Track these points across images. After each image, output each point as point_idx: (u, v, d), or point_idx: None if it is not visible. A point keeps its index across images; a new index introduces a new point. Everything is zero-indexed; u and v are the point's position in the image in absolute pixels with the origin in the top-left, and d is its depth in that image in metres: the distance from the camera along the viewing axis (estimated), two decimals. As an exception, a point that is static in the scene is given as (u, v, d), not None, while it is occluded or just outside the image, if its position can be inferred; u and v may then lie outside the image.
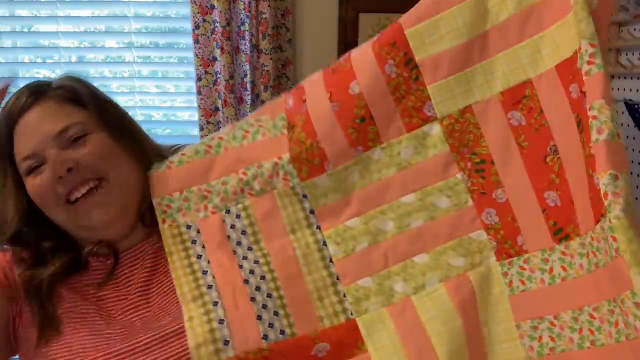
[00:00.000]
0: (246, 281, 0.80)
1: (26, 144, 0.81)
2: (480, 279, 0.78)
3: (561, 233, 0.74)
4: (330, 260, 0.83)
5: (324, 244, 0.84)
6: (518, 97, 0.78)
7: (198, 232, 0.84)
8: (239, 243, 0.84)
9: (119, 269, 0.85)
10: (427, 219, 0.82)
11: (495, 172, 0.79)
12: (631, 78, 1.29)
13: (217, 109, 2.02)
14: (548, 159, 0.76)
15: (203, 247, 0.83)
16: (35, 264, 0.83)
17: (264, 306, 0.77)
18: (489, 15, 0.79)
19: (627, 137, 1.31)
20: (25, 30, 2.15)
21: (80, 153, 0.81)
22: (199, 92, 1.99)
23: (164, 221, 0.86)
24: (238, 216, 0.85)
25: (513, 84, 0.78)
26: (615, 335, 0.66)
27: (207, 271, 0.81)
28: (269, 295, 0.79)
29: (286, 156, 0.86)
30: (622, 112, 1.31)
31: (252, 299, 0.78)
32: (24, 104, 0.82)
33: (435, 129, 0.83)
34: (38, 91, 0.84)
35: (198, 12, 1.94)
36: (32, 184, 0.81)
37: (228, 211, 0.85)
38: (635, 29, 1.27)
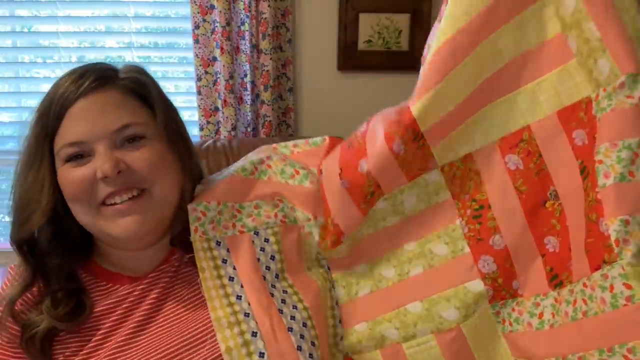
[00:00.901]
0: (280, 310, 0.76)
1: (78, 129, 0.73)
2: (474, 328, 0.78)
3: (556, 279, 0.74)
4: (337, 303, 0.84)
5: (333, 285, 0.85)
6: (515, 141, 0.77)
7: (228, 251, 0.80)
8: (267, 268, 0.81)
9: (132, 293, 0.80)
10: (425, 267, 0.82)
11: (492, 217, 0.78)
12: (631, 78, 1.29)
13: (217, 109, 2.02)
14: (548, 204, 0.75)
15: (234, 268, 0.79)
16: (35, 302, 0.77)
17: (302, 336, 0.74)
18: (486, 66, 0.78)
19: (627, 137, 1.31)
20: (25, 30, 2.15)
21: (134, 157, 0.74)
22: (199, 92, 1.99)
23: (196, 229, 0.80)
24: (267, 240, 0.82)
25: (511, 130, 0.78)
26: None
27: (241, 296, 0.76)
28: (304, 325, 0.76)
29: (320, 219, 0.87)
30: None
31: (290, 329, 0.74)
32: (87, 86, 0.73)
33: (436, 176, 0.83)
34: (105, 76, 0.76)
35: (198, 12, 1.93)
36: (70, 174, 0.73)
37: (257, 233, 0.83)
38: (635, 29, 1.27)
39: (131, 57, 2.06)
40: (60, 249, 0.80)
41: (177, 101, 2.08)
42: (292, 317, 0.76)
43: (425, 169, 0.83)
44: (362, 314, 0.83)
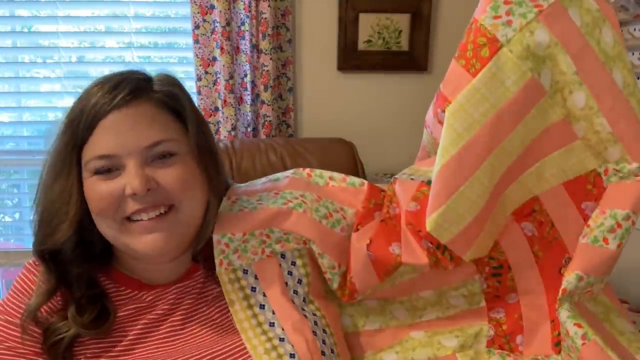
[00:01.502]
0: (314, 332, 0.75)
1: (109, 142, 0.70)
2: None
3: (560, 345, 0.75)
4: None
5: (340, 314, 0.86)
6: (528, 211, 0.78)
7: (256, 278, 0.78)
8: (295, 292, 0.80)
9: (157, 306, 0.79)
10: (440, 315, 0.84)
11: (512, 278, 0.80)
12: (631, 78, 1.29)
13: (217, 109, 2.02)
14: (562, 270, 0.77)
15: (264, 295, 0.77)
16: (58, 308, 0.77)
17: None
18: (498, 169, 0.75)
19: (627, 137, 1.31)
20: (25, 30, 2.15)
21: (165, 175, 0.72)
22: (199, 92, 1.99)
23: (221, 262, 0.78)
24: (294, 263, 0.80)
25: (521, 203, 0.79)
26: None
27: (274, 323, 0.75)
28: (332, 351, 0.76)
29: (342, 268, 0.84)
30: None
31: (323, 353, 0.74)
32: (121, 98, 0.71)
33: None
34: (139, 88, 0.73)
35: (198, 12, 1.94)
36: (98, 187, 0.71)
37: (284, 256, 0.80)
38: (635, 29, 1.27)
39: (131, 57, 2.06)
40: (82, 258, 0.78)
41: (177, 101, 2.08)
42: (323, 342, 0.76)
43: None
44: (368, 345, 0.84)
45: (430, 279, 0.83)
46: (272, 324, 0.75)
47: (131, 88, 0.72)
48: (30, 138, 2.15)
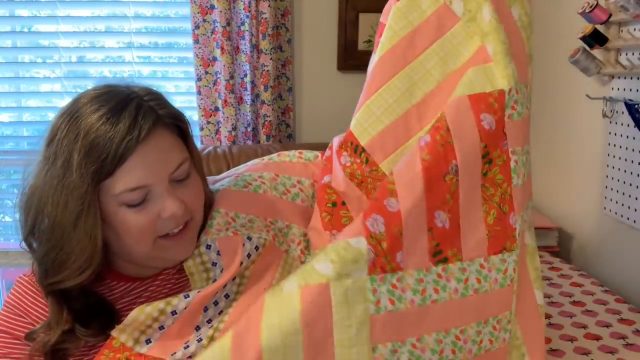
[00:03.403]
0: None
1: (140, 174, 0.72)
2: (343, 294, 0.66)
3: (440, 255, 0.74)
4: None
5: None
6: (430, 120, 0.82)
7: (218, 253, 0.80)
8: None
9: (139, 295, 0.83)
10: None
11: (392, 182, 0.74)
12: (631, 78, 1.29)
13: (217, 109, 2.02)
14: (447, 178, 0.75)
15: (221, 271, 0.80)
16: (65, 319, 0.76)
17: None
18: (417, 85, 0.86)
19: (627, 137, 1.31)
20: (25, 30, 2.15)
21: (187, 194, 0.77)
22: (199, 92, 1.99)
23: None
24: (257, 248, 0.83)
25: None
26: (475, 351, 0.74)
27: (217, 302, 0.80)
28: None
29: None
30: (622, 112, 1.31)
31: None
32: (146, 131, 0.72)
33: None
34: (153, 115, 0.74)
35: (198, 12, 1.94)
36: (132, 218, 0.73)
37: (250, 238, 0.83)
38: (635, 29, 1.27)
39: (131, 57, 2.06)
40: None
41: (177, 101, 2.09)
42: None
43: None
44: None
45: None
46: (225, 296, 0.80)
47: (148, 118, 0.73)
48: (30, 138, 2.15)
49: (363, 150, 0.88)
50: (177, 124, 0.79)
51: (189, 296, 0.76)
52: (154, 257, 0.78)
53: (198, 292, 0.76)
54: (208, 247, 0.81)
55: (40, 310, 0.79)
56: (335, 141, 0.97)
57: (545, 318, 1.11)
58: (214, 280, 0.79)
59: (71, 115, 0.73)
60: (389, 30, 0.88)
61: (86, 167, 0.70)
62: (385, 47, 0.88)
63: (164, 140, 0.75)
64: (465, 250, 0.76)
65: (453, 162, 0.75)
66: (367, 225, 0.69)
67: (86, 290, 0.78)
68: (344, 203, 0.90)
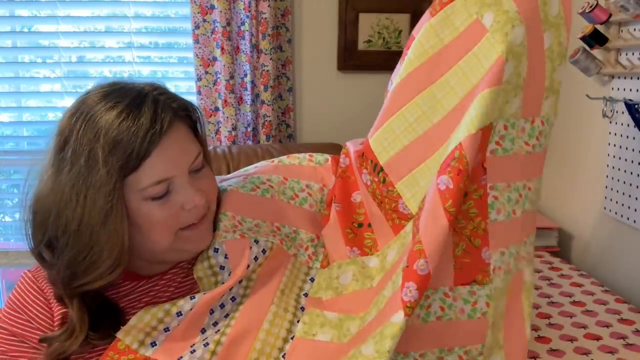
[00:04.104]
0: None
1: (165, 167, 0.73)
2: None
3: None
4: (292, 337, 0.79)
5: (299, 321, 0.81)
6: (449, 160, 0.75)
7: (226, 257, 0.80)
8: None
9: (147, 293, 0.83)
10: (375, 311, 0.77)
11: (420, 241, 0.72)
12: (631, 78, 1.29)
13: (217, 109, 2.02)
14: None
15: (230, 274, 0.80)
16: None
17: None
18: (440, 103, 0.82)
19: (627, 137, 1.31)
20: (25, 30, 2.15)
21: (205, 185, 0.79)
22: (199, 92, 1.99)
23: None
24: (264, 251, 0.82)
25: (448, 153, 0.77)
26: None
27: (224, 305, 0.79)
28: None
29: (322, 240, 0.90)
30: (622, 112, 1.31)
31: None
32: (168, 123, 0.73)
33: (410, 226, 0.83)
34: (171, 109, 0.76)
35: (198, 12, 1.94)
36: (157, 212, 0.74)
37: (257, 241, 0.82)
38: (635, 29, 1.27)
39: (131, 57, 2.06)
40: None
41: (177, 101, 2.09)
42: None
43: (404, 218, 0.85)
44: (312, 356, 0.78)
45: (384, 279, 0.82)
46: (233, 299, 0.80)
47: (167, 111, 0.74)
48: (30, 138, 2.15)
49: (381, 169, 0.86)
50: (189, 114, 0.80)
51: (194, 297, 0.76)
52: (174, 250, 0.78)
53: (204, 294, 0.76)
54: (216, 250, 0.81)
55: (39, 309, 0.79)
56: (351, 148, 0.94)
57: (545, 318, 1.12)
58: (222, 283, 0.79)
59: (84, 115, 0.72)
60: (418, 48, 0.85)
61: (112, 164, 0.70)
62: (413, 64, 0.85)
63: (182, 133, 0.76)
64: (436, 279, 0.74)
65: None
66: (403, 297, 0.70)
67: (98, 292, 0.78)
68: (369, 225, 0.89)
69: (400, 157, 0.85)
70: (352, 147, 0.94)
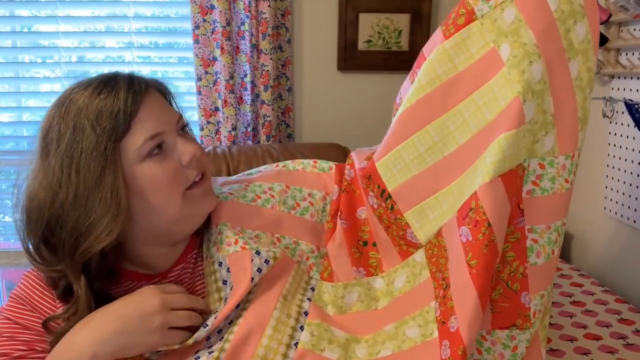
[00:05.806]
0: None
1: (154, 122, 0.75)
2: None
3: None
4: (295, 344, 0.77)
5: (301, 327, 0.79)
6: (466, 210, 0.74)
7: (228, 270, 0.80)
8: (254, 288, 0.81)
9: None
10: (395, 349, 0.77)
11: (451, 297, 0.73)
12: (631, 78, 1.29)
13: (217, 109, 2.02)
14: (493, 281, 0.75)
15: (232, 289, 0.78)
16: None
17: None
18: (452, 135, 0.80)
19: (627, 137, 1.31)
20: (25, 30, 2.15)
21: (195, 145, 0.80)
22: (199, 92, 1.99)
23: (207, 257, 0.84)
24: (267, 262, 0.80)
25: (464, 199, 0.75)
26: None
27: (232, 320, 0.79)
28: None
29: (323, 250, 0.89)
30: (622, 112, 1.31)
31: None
32: (145, 88, 0.77)
33: (420, 256, 0.83)
34: (143, 80, 0.80)
35: (198, 12, 1.94)
36: (160, 167, 0.75)
37: (258, 252, 0.80)
38: (635, 29, 1.27)
39: (131, 57, 2.06)
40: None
41: (177, 101, 2.09)
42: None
43: (412, 246, 0.84)
44: None
45: (396, 309, 0.81)
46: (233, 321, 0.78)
47: (145, 82, 0.79)
48: (30, 138, 2.15)
49: (389, 196, 0.84)
50: (161, 89, 0.83)
51: (207, 325, 0.75)
52: (185, 215, 0.79)
53: (215, 318, 0.75)
54: (220, 264, 0.81)
55: (44, 302, 0.79)
56: (356, 162, 0.92)
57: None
58: (225, 299, 0.78)
59: (62, 102, 0.78)
60: (430, 72, 0.80)
61: (101, 128, 0.72)
62: (425, 90, 0.81)
63: (159, 98, 0.81)
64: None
65: (497, 260, 0.73)
66: (442, 354, 0.71)
67: (106, 294, 0.78)
68: (374, 244, 0.88)
69: (410, 187, 0.82)
70: (357, 160, 0.92)
